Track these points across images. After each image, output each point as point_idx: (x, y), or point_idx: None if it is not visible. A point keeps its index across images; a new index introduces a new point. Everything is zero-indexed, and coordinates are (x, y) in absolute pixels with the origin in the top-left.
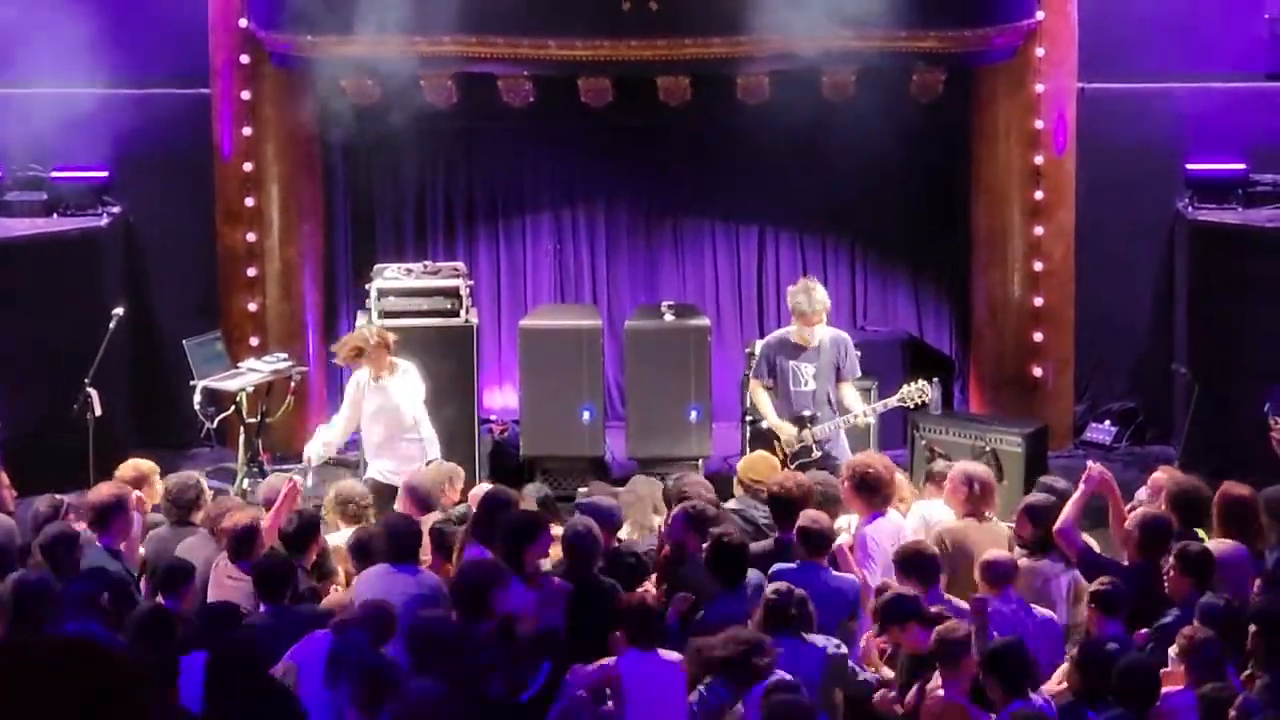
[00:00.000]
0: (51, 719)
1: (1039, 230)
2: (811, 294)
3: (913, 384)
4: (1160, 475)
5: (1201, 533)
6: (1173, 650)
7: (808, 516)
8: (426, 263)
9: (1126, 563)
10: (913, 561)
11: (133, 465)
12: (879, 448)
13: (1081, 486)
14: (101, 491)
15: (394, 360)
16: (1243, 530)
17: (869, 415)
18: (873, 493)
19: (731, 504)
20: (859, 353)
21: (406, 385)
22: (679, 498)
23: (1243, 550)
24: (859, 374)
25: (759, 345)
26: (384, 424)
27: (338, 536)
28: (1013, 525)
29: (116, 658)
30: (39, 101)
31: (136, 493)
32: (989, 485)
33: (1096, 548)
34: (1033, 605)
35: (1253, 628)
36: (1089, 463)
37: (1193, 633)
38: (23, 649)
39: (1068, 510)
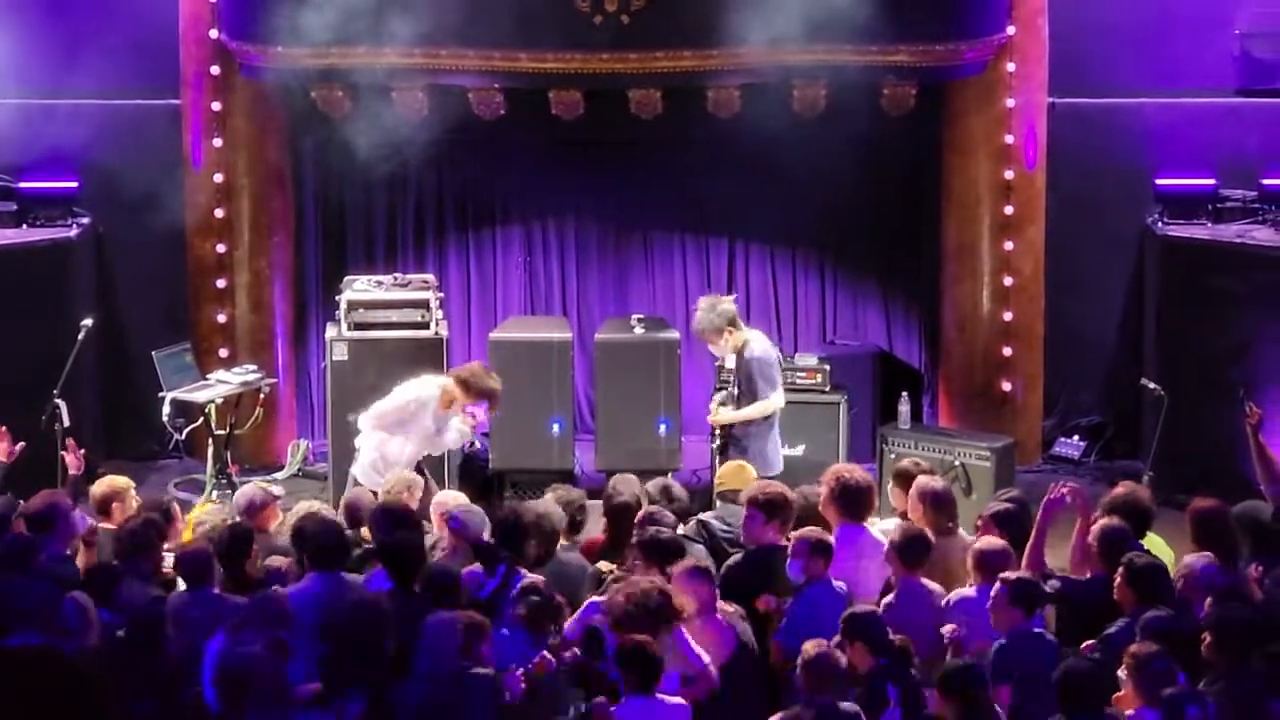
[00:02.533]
0: None
1: (1009, 245)
2: (702, 313)
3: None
4: (1120, 490)
5: (1158, 539)
6: (1122, 671)
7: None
8: (396, 275)
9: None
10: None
11: (107, 482)
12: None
13: (1039, 515)
14: (34, 504)
15: None
16: (1216, 544)
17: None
18: (847, 504)
19: (708, 515)
20: (771, 364)
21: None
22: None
23: (1213, 565)
24: (763, 396)
25: (729, 359)
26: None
27: None
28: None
29: (79, 667)
30: (7, 111)
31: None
32: (947, 498)
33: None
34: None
35: (1206, 637)
36: (1058, 486)
37: (1139, 650)
38: None
39: (1030, 548)
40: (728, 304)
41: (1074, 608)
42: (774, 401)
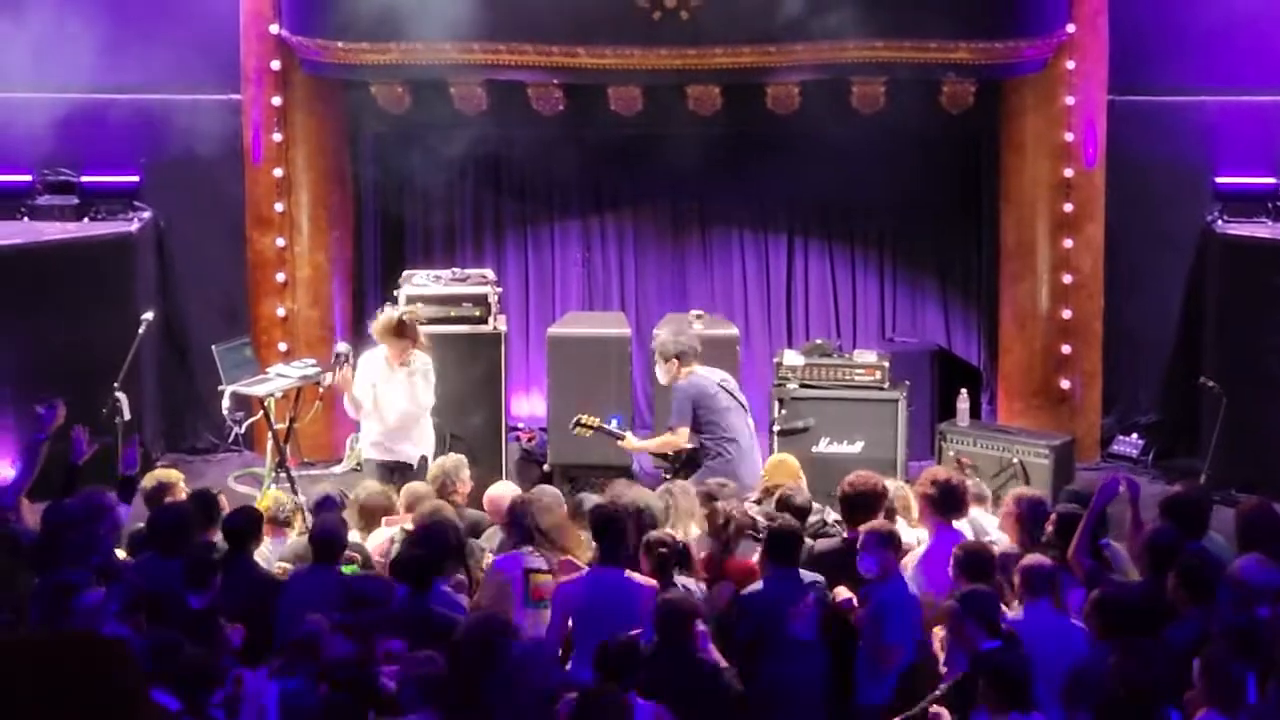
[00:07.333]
0: (54, 709)
1: (1068, 243)
2: (661, 335)
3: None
4: (1176, 490)
5: (1219, 538)
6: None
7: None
8: (455, 269)
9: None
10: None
11: (157, 475)
12: (907, 460)
13: (1093, 503)
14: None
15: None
16: (1266, 544)
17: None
18: (943, 504)
19: (756, 510)
20: (686, 399)
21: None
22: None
23: (1260, 564)
24: (673, 422)
25: (787, 355)
26: (403, 412)
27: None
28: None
29: (115, 649)
30: (70, 106)
31: None
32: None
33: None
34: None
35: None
36: (1112, 474)
37: (1212, 654)
38: (27, 644)
39: (1079, 535)
40: (685, 338)
41: (1117, 609)
42: (676, 438)
